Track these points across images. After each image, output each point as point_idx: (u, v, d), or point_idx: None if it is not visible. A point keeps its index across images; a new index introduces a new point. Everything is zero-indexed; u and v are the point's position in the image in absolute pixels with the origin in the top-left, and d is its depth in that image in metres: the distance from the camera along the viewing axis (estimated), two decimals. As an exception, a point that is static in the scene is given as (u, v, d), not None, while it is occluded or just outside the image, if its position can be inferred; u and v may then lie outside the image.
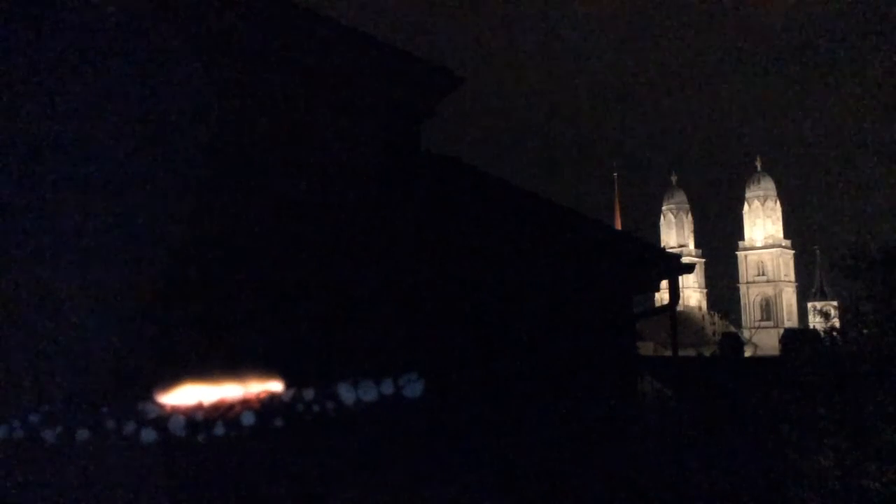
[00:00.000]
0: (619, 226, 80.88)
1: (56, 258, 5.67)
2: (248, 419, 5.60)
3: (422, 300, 6.47)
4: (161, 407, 5.53)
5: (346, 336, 6.12)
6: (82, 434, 5.34)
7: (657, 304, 11.12)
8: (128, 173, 5.90)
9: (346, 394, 5.88)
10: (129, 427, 5.41)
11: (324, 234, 6.25)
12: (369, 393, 5.92)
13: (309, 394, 5.80)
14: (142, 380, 5.58)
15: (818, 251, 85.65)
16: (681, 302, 54.82)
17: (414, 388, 6.02)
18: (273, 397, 5.73)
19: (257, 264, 6.03)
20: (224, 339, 5.80)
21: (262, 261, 6.05)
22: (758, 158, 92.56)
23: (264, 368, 5.82)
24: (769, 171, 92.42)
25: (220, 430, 5.52)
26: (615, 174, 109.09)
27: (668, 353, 10.59)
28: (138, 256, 5.78)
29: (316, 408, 5.77)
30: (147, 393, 5.55)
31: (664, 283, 8.78)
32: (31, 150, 5.81)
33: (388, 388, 5.99)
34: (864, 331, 9.33)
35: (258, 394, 5.73)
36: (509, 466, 6.95)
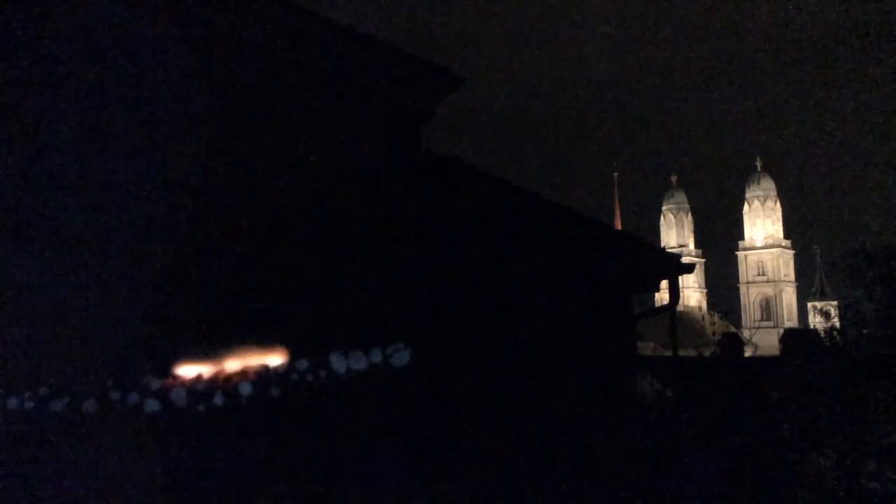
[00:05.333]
0: (619, 226, 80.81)
1: (62, 240, 5.85)
2: (245, 390, 5.82)
3: (421, 301, 6.47)
4: (163, 379, 5.81)
5: (349, 336, 6.15)
6: (89, 405, 5.62)
7: (657, 304, 11.14)
8: (130, 171, 5.98)
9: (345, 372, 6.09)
10: (133, 398, 5.68)
11: (322, 230, 6.27)
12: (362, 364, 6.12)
13: (303, 364, 6.01)
14: (145, 354, 5.85)
15: (818, 251, 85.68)
16: (681, 302, 54.72)
17: (401, 356, 6.18)
18: (269, 369, 5.96)
19: (256, 257, 6.11)
20: (223, 318, 6.01)
21: (260, 253, 6.13)
22: (758, 158, 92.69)
23: (261, 342, 6.03)
24: (769, 171, 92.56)
25: (219, 399, 5.77)
26: (615, 174, 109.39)
27: (668, 353, 10.58)
28: (141, 239, 5.96)
29: (309, 377, 5.99)
30: (150, 367, 5.82)
31: (664, 283, 8.79)
32: (33, 148, 5.89)
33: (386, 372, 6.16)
34: (864, 331, 9.31)
35: (255, 366, 5.98)
36: (508, 465, 6.95)
